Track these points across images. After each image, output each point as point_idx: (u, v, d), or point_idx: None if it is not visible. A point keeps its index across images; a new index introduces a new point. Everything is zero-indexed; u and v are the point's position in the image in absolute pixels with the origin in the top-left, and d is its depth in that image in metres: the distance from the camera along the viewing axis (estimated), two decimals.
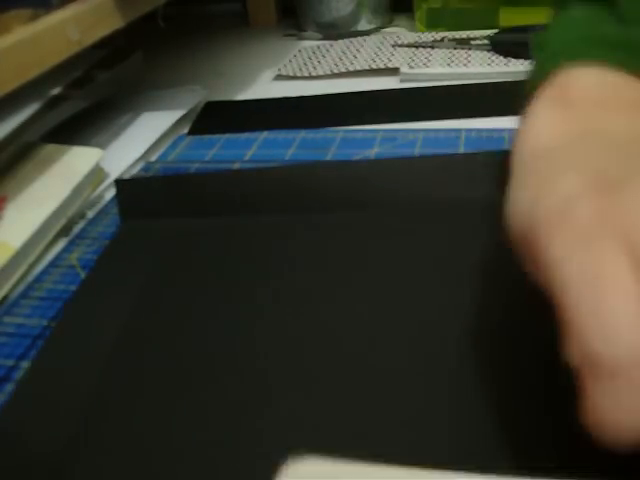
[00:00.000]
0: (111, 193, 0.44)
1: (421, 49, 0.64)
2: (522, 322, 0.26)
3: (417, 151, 0.44)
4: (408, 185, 0.36)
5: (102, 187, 0.44)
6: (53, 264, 0.37)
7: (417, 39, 0.67)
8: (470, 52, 0.62)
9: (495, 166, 0.33)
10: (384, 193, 0.36)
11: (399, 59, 0.61)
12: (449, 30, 0.69)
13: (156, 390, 0.25)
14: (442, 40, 0.65)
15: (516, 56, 0.58)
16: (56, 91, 0.45)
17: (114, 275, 0.33)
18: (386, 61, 0.61)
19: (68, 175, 0.41)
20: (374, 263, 0.31)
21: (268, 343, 0.27)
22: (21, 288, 0.35)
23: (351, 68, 0.61)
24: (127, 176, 0.45)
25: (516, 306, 0.27)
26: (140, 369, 0.26)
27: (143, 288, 0.31)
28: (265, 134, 0.50)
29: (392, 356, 0.26)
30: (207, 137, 0.51)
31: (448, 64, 0.59)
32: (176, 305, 0.30)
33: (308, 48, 0.70)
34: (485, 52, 0.61)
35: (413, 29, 0.75)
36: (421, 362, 0.25)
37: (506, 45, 0.60)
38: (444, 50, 0.63)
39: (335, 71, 0.61)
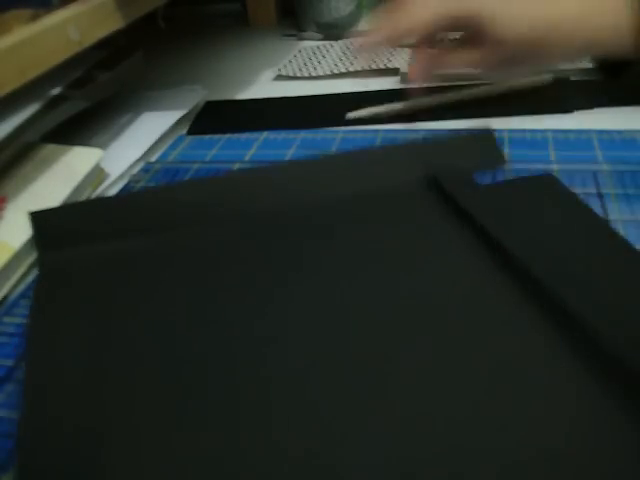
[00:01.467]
0: (111, 193, 0.44)
1: None
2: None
3: None
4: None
5: (102, 187, 0.44)
6: None
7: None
8: None
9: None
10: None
11: (399, 59, 0.61)
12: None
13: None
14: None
15: None
16: (56, 91, 0.45)
17: (59, 315, 0.32)
18: (386, 61, 0.61)
19: (68, 175, 0.41)
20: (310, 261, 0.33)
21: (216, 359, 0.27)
22: (21, 288, 0.35)
23: (351, 68, 0.61)
24: (127, 176, 0.45)
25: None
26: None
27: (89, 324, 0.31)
28: (265, 134, 0.50)
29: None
30: (207, 137, 0.51)
31: None
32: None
33: (308, 48, 0.70)
34: None
35: None
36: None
37: None
38: None
39: (335, 71, 0.61)
